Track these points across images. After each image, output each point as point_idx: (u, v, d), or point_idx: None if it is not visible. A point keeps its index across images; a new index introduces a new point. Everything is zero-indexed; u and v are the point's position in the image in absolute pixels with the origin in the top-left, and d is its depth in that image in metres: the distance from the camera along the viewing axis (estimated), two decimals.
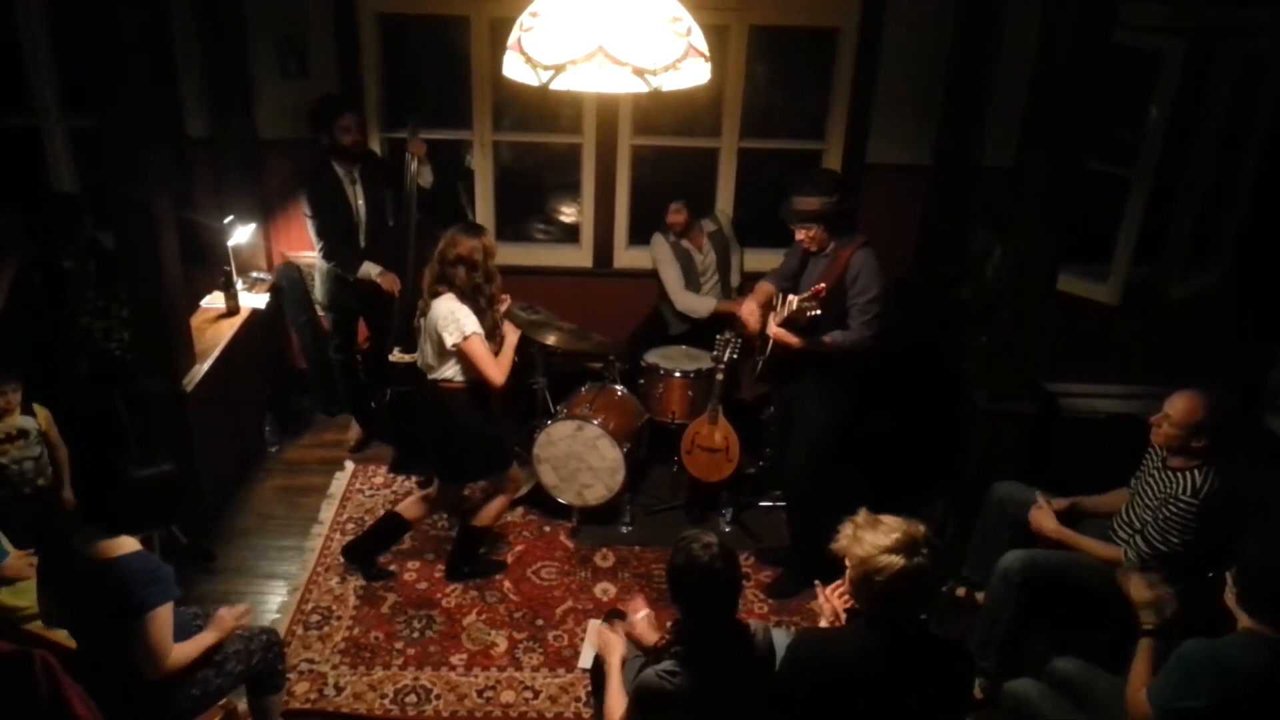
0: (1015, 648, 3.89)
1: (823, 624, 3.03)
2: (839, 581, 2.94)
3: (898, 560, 2.59)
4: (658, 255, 5.45)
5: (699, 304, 5.41)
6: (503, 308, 4.41)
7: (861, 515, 2.75)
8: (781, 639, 3.11)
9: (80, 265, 4.69)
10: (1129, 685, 3.06)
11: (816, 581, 3.10)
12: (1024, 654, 3.85)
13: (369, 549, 4.65)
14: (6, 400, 4.06)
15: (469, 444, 4.32)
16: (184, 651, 3.18)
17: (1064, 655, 3.50)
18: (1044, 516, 3.99)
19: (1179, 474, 3.64)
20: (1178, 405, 3.63)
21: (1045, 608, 3.84)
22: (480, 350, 4.07)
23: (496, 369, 4.13)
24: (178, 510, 3.39)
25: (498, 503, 4.52)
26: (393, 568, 4.71)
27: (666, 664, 2.85)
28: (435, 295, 4.12)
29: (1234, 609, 2.91)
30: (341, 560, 4.68)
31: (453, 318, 4.04)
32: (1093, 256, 5.53)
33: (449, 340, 4.04)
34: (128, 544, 3.10)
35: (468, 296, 4.09)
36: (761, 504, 5.18)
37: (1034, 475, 4.31)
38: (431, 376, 4.21)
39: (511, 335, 4.32)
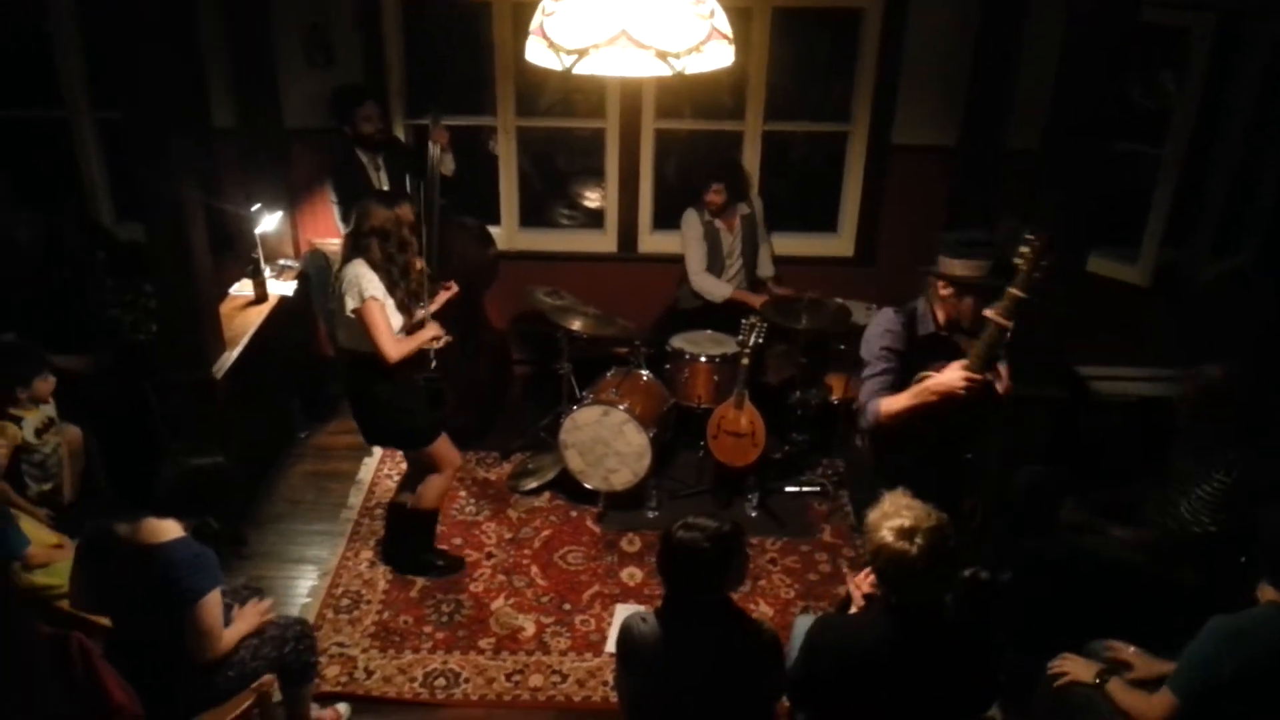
0: (1041, 636, 3.87)
1: (852, 610, 3.03)
2: (867, 570, 2.95)
3: (886, 537, 2.64)
4: (687, 232, 5.44)
5: (716, 288, 5.40)
6: (444, 295, 4.42)
7: (898, 492, 2.77)
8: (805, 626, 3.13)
9: (85, 250, 4.75)
10: (1135, 716, 3.04)
11: (846, 570, 3.11)
12: (1052, 642, 3.83)
13: (415, 543, 4.61)
14: (34, 390, 4.07)
15: (378, 414, 4.25)
16: (231, 635, 3.26)
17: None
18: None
19: (1212, 453, 3.61)
20: (1204, 376, 3.65)
21: (1073, 595, 3.82)
22: (377, 317, 3.95)
23: (390, 341, 3.99)
24: (226, 501, 3.47)
25: (435, 483, 4.40)
26: (443, 546, 4.73)
27: (647, 610, 2.93)
28: (346, 262, 4.06)
29: (1264, 584, 2.91)
30: (381, 559, 4.70)
31: (356, 282, 3.96)
32: (1122, 238, 5.48)
33: (349, 304, 3.96)
34: (171, 530, 3.15)
35: (379, 268, 4.02)
36: (788, 489, 5.17)
37: (1062, 459, 4.29)
38: (340, 345, 4.17)
39: (429, 331, 4.23)
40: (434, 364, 4.51)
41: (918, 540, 2.61)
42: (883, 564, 2.66)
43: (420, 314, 4.29)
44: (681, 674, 2.84)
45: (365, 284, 3.96)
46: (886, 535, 2.64)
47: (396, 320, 4.08)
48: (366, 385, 4.16)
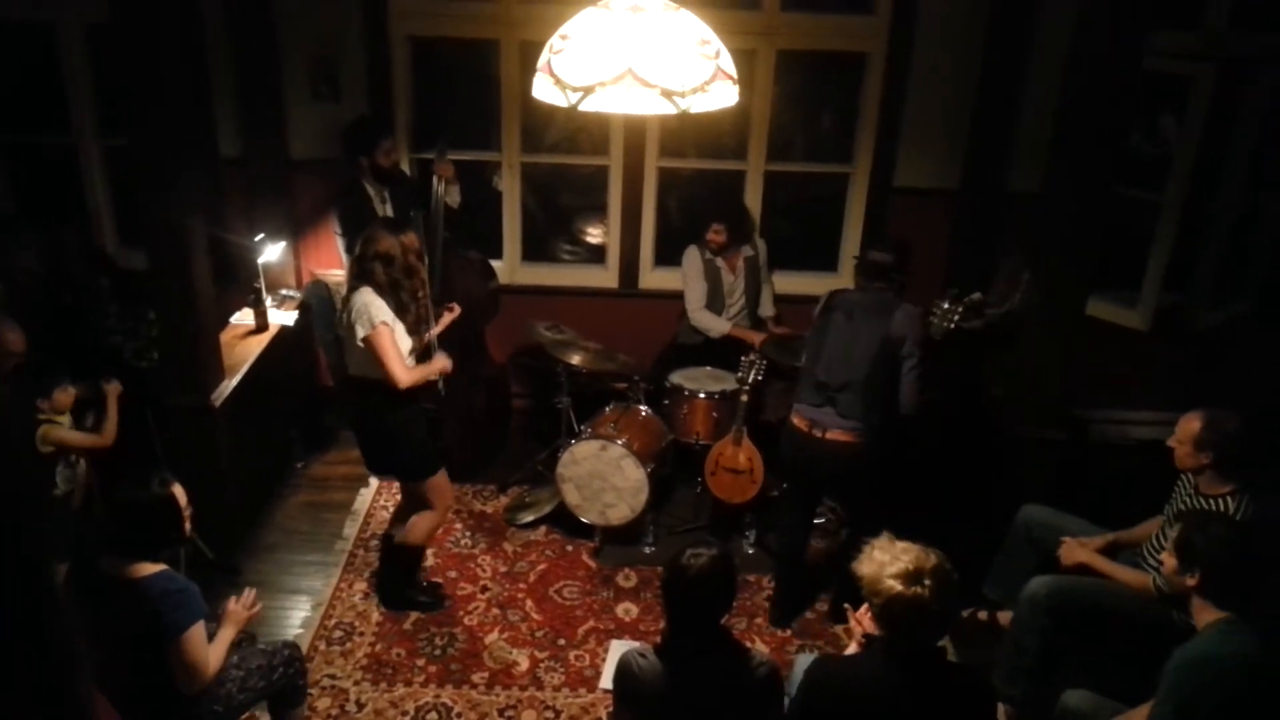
0: (1042, 675, 3.85)
1: (851, 648, 3.02)
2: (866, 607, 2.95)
3: (895, 585, 2.60)
4: (687, 269, 5.46)
5: (713, 323, 5.41)
6: (448, 317, 4.51)
7: (884, 538, 2.75)
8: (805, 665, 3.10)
9: (88, 277, 4.76)
10: None
11: (846, 605, 3.09)
12: (1053, 682, 3.80)
13: (401, 579, 4.59)
14: (54, 401, 4.07)
15: (386, 442, 4.24)
16: (216, 657, 3.22)
17: (1075, 689, 3.45)
18: (1074, 549, 3.94)
19: (1213, 501, 3.61)
20: (1180, 424, 3.70)
21: (1073, 635, 3.80)
22: (386, 343, 3.96)
23: (400, 366, 4.00)
24: (173, 533, 3.27)
25: (427, 518, 4.38)
26: (437, 579, 4.74)
27: (645, 646, 2.91)
28: (353, 290, 4.08)
29: (1199, 606, 2.99)
30: (374, 591, 4.66)
31: (366, 309, 3.98)
32: (1123, 282, 5.50)
33: (360, 332, 3.97)
34: (151, 564, 3.13)
35: (386, 292, 4.04)
36: None
37: (1065, 502, 4.28)
38: (351, 373, 4.18)
39: (439, 363, 4.26)
40: (443, 393, 4.58)
41: (927, 582, 2.59)
42: (897, 611, 2.61)
43: (428, 337, 4.31)
44: (685, 709, 2.82)
45: (375, 310, 3.98)
46: (895, 584, 2.60)
47: (406, 344, 4.10)
48: (377, 412, 4.16)
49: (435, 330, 4.41)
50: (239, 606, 3.39)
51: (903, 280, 4.32)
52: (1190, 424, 3.65)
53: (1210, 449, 3.59)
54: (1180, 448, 3.68)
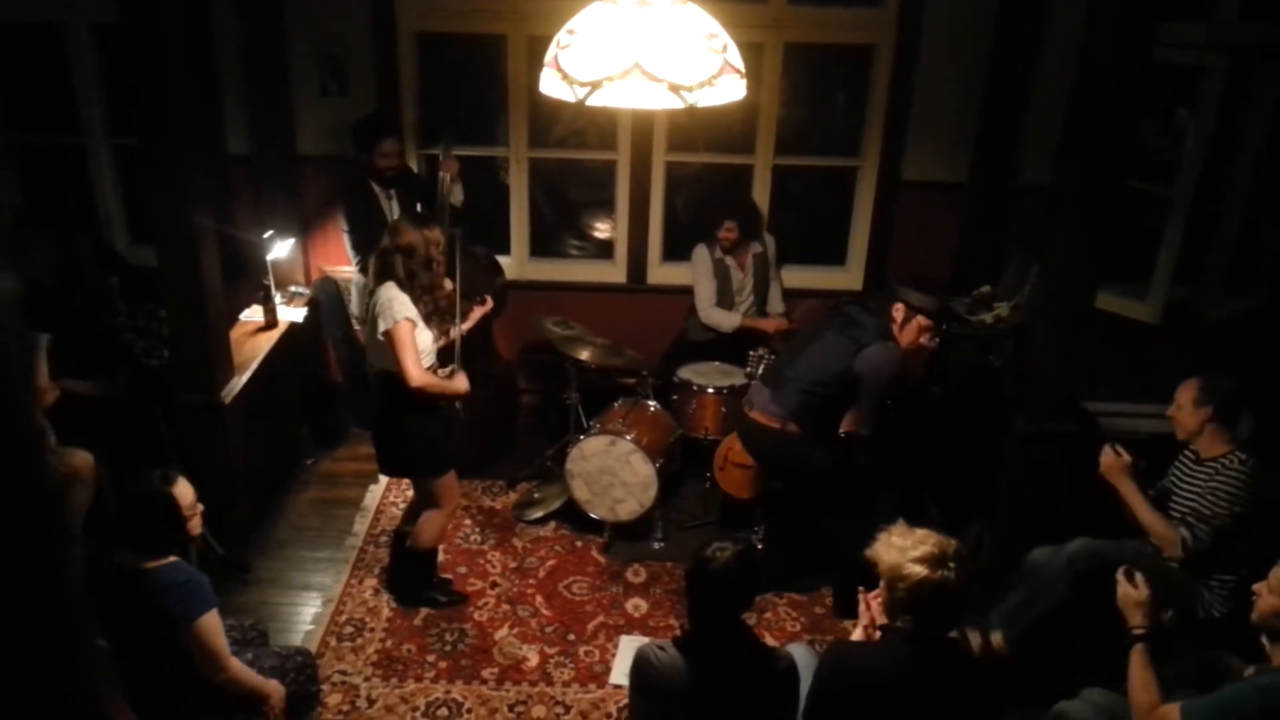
0: (1040, 632, 3.88)
1: (857, 632, 3.01)
2: (879, 590, 2.95)
3: (921, 570, 2.60)
4: (697, 268, 5.47)
5: (725, 319, 5.42)
6: (479, 311, 4.59)
7: (899, 525, 2.76)
8: (807, 657, 3.11)
9: (99, 276, 4.78)
10: (1133, 697, 2.98)
11: (860, 588, 3.09)
12: (1041, 646, 3.81)
13: (416, 580, 4.60)
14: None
15: (403, 439, 4.24)
16: (242, 671, 3.23)
17: (1094, 688, 3.42)
18: (1115, 464, 3.94)
19: (1213, 464, 3.71)
20: (1178, 393, 3.84)
21: (1092, 609, 3.73)
22: (404, 339, 3.96)
23: (415, 364, 3.99)
24: (174, 532, 3.21)
25: (436, 519, 4.37)
26: (448, 575, 4.74)
27: (665, 640, 2.92)
28: (379, 285, 4.07)
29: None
30: (385, 587, 4.67)
31: (389, 305, 3.98)
32: (1132, 275, 5.48)
33: (382, 326, 3.98)
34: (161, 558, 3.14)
35: (404, 285, 4.04)
36: None
37: (1069, 495, 4.26)
38: (373, 367, 4.19)
39: (458, 384, 4.22)
40: (461, 414, 4.52)
41: (952, 565, 2.60)
42: (925, 595, 2.61)
43: (455, 333, 4.33)
44: (703, 702, 2.82)
45: (398, 307, 3.99)
46: (919, 569, 2.60)
47: (426, 336, 4.11)
48: (397, 407, 4.17)
49: (465, 326, 4.42)
50: (270, 685, 3.38)
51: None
52: (1186, 388, 3.79)
53: (1209, 403, 3.70)
54: (1180, 412, 3.79)
